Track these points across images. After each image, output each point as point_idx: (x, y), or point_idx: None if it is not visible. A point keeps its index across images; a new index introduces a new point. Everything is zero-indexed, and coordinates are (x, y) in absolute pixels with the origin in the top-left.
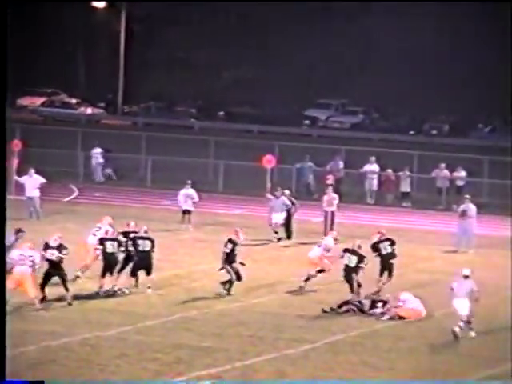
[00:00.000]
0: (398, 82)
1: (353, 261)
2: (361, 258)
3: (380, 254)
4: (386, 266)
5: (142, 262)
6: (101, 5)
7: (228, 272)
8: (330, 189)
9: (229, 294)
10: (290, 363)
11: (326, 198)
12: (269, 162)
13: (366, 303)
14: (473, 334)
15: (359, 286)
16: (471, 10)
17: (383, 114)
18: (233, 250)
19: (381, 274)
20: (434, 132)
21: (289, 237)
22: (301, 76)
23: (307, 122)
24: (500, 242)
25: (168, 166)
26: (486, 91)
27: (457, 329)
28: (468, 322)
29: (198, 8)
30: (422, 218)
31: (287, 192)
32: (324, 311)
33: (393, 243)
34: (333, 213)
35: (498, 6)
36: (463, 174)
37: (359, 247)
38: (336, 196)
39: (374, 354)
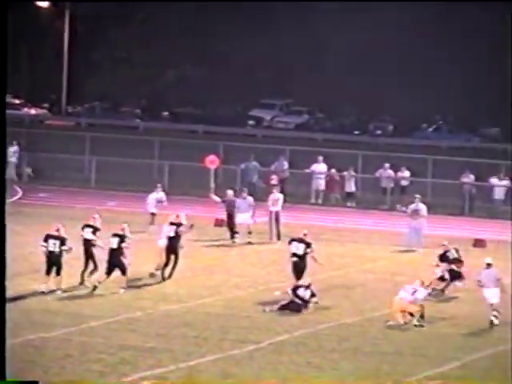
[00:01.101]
0: (342, 82)
1: (300, 248)
2: (308, 245)
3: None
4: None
5: (111, 260)
6: (44, 4)
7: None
8: (275, 189)
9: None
10: (234, 364)
11: (270, 197)
12: (212, 162)
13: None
14: (496, 321)
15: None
16: (419, 11)
17: (328, 114)
18: (120, 245)
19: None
20: (379, 132)
21: (232, 237)
22: (245, 76)
23: (252, 122)
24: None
25: (112, 166)
26: (430, 91)
27: (493, 318)
28: (494, 310)
29: (141, 8)
30: (366, 218)
31: (231, 192)
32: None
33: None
34: (277, 213)
35: (441, 8)
36: (407, 173)
37: (305, 235)
38: (281, 196)
39: (317, 355)
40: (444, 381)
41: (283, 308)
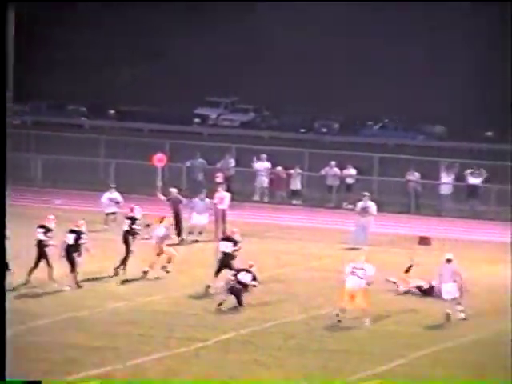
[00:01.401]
0: (289, 80)
1: (229, 247)
2: (235, 243)
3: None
4: None
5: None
6: None
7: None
8: (221, 187)
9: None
10: (181, 362)
11: (216, 195)
12: (159, 160)
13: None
14: (462, 315)
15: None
16: (364, 8)
17: (274, 113)
18: (76, 241)
19: None
20: (325, 130)
21: (179, 235)
22: (191, 74)
23: (197, 120)
24: (389, 240)
25: (58, 164)
26: (376, 90)
27: (449, 312)
28: (458, 304)
29: (88, 7)
30: (312, 216)
31: (175, 190)
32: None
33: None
34: (224, 211)
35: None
36: (353, 171)
37: (233, 233)
38: (227, 194)
39: (264, 353)
40: (386, 379)
41: (228, 292)
